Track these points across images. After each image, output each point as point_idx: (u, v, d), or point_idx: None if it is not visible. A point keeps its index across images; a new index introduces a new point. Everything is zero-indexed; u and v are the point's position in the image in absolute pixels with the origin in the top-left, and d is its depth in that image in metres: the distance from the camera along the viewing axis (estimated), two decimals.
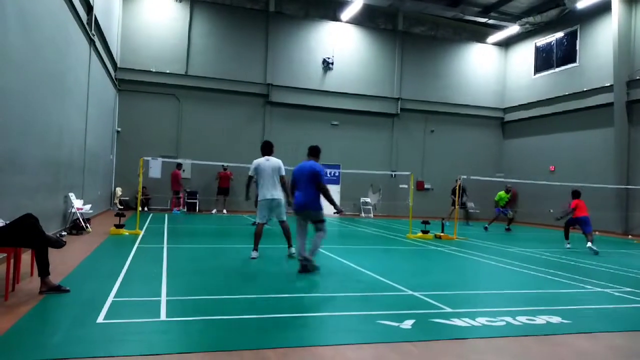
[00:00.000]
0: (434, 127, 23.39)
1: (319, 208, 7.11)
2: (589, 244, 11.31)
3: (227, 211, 19.30)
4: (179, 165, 18.77)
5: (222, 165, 18.41)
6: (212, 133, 20.15)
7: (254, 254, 8.03)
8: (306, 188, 7.06)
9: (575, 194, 12.57)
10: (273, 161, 8.14)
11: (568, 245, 12.09)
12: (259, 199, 8.22)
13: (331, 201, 7.16)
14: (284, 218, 8.29)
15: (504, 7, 21.07)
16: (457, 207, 15.74)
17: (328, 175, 21.54)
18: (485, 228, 16.89)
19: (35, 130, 8.22)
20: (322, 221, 7.15)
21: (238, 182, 19.41)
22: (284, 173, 8.15)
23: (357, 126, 22.16)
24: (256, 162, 8.19)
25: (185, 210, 19.00)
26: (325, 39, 21.85)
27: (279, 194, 8.08)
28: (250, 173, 8.29)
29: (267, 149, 8.31)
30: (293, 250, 8.14)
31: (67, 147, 10.67)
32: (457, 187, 15.12)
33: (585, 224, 11.91)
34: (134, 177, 15.89)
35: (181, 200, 19.09)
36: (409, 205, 14.08)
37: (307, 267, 6.82)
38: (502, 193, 17.42)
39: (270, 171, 8.03)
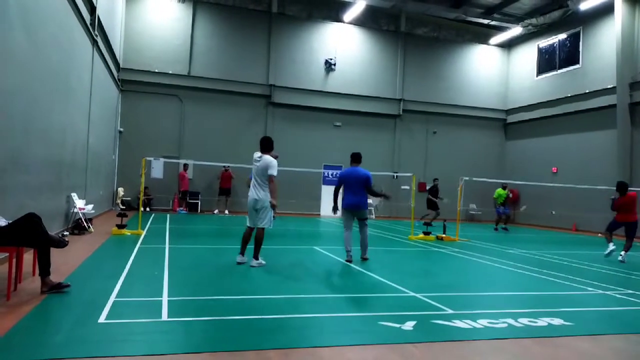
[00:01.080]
0: (436, 128, 23.38)
1: (367, 207, 8.60)
2: (623, 253, 10.09)
3: (229, 212, 19.31)
4: (186, 166, 18.88)
5: (224, 166, 18.42)
6: (214, 134, 20.17)
7: (240, 258, 7.62)
8: (358, 190, 8.36)
9: (621, 188, 10.40)
10: (264, 161, 7.47)
11: (608, 250, 10.30)
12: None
13: (378, 195, 9.00)
14: (264, 225, 7.45)
15: (507, 8, 21.06)
16: (459, 208, 15.54)
17: (330, 176, 21.55)
18: (504, 229, 17.13)
19: (38, 130, 8.24)
20: (367, 218, 8.58)
21: (240, 182, 19.44)
22: (273, 173, 7.37)
23: (359, 127, 22.15)
24: (254, 156, 7.70)
25: (185, 210, 19.03)
26: (327, 40, 21.86)
27: (260, 196, 7.41)
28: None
29: (263, 146, 7.67)
30: (255, 262, 7.41)
31: (70, 147, 10.69)
32: (460, 189, 15.01)
33: (630, 229, 10.33)
34: (136, 177, 15.90)
35: (184, 200, 19.19)
36: (410, 206, 14.07)
37: (351, 259, 8.31)
38: (500, 190, 17.48)
39: (259, 170, 7.45)
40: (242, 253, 7.67)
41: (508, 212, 17.63)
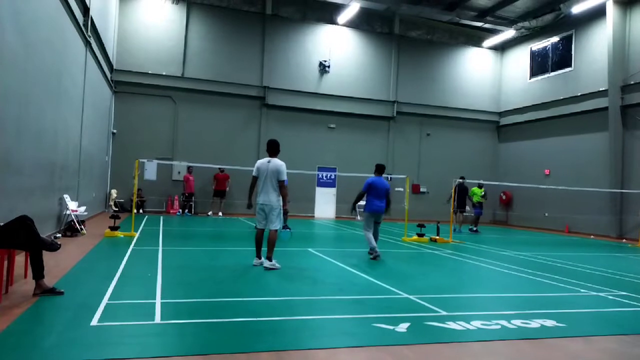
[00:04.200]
0: (430, 130, 23.45)
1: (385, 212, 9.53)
2: None
3: (222, 214, 19.25)
4: (190, 169, 18.76)
5: (219, 168, 18.35)
6: (208, 135, 20.13)
7: (256, 261, 7.71)
8: (382, 197, 9.35)
9: None
10: (274, 164, 7.53)
11: None
12: (257, 202, 7.69)
13: (389, 205, 9.54)
14: (275, 227, 7.54)
15: (500, 11, 21.17)
16: (452, 209, 15.47)
17: (324, 178, 21.56)
18: (476, 231, 16.83)
19: (30, 131, 8.19)
20: (381, 222, 9.61)
21: (234, 184, 19.43)
22: (284, 178, 7.53)
23: (353, 129, 22.19)
24: (258, 162, 7.72)
25: (181, 212, 19.00)
26: (321, 42, 21.88)
27: (271, 200, 7.49)
28: (253, 174, 7.69)
29: (270, 149, 7.74)
30: (268, 264, 7.44)
31: (63, 149, 10.63)
32: (453, 191, 15.03)
33: None
34: (130, 179, 15.85)
35: (183, 203, 19.12)
36: (404, 208, 14.08)
37: (378, 255, 9.07)
38: (475, 189, 17.10)
39: (269, 174, 7.49)
40: (259, 256, 7.74)
41: (480, 212, 17.25)
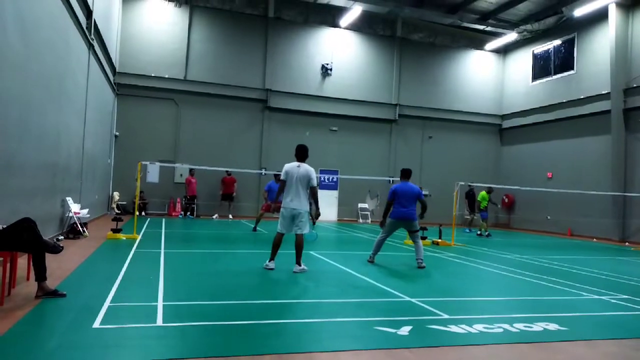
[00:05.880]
0: (432, 133, 23.44)
1: (416, 219, 8.94)
2: None
3: (232, 216, 19.23)
4: (192, 171, 18.77)
5: (226, 171, 18.31)
6: (210, 138, 20.16)
7: (270, 264, 7.62)
8: (411, 204, 8.86)
9: None
10: (303, 169, 7.52)
11: None
12: (281, 206, 7.63)
13: (425, 209, 9.06)
14: (304, 231, 7.52)
15: (502, 14, 21.19)
16: (454, 213, 15.44)
17: (326, 180, 21.55)
18: (488, 235, 16.83)
19: (33, 133, 8.21)
20: (418, 230, 8.97)
21: (241, 186, 19.50)
22: (314, 184, 7.55)
23: (355, 132, 22.20)
24: (287, 166, 7.65)
25: (183, 214, 19.02)
26: (324, 45, 21.92)
27: (301, 205, 7.44)
28: (281, 177, 7.65)
29: (299, 154, 7.71)
30: (298, 268, 7.52)
31: (65, 151, 10.65)
32: (455, 194, 14.96)
33: None
34: (132, 182, 15.87)
35: (185, 205, 19.14)
36: None
37: (373, 260, 8.90)
38: (483, 193, 17.11)
39: (299, 179, 7.46)
40: (272, 259, 7.70)
41: (486, 216, 17.32)
